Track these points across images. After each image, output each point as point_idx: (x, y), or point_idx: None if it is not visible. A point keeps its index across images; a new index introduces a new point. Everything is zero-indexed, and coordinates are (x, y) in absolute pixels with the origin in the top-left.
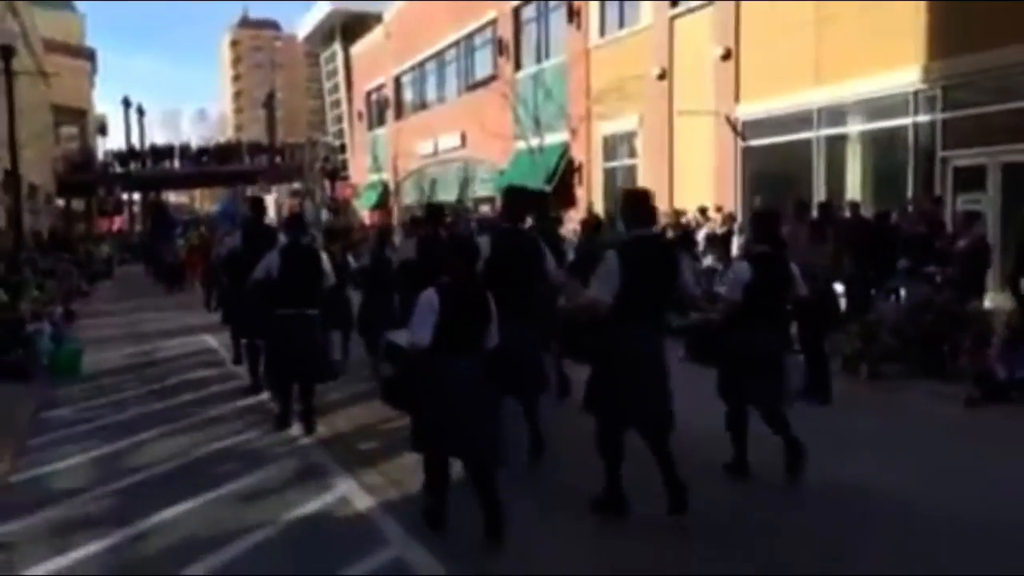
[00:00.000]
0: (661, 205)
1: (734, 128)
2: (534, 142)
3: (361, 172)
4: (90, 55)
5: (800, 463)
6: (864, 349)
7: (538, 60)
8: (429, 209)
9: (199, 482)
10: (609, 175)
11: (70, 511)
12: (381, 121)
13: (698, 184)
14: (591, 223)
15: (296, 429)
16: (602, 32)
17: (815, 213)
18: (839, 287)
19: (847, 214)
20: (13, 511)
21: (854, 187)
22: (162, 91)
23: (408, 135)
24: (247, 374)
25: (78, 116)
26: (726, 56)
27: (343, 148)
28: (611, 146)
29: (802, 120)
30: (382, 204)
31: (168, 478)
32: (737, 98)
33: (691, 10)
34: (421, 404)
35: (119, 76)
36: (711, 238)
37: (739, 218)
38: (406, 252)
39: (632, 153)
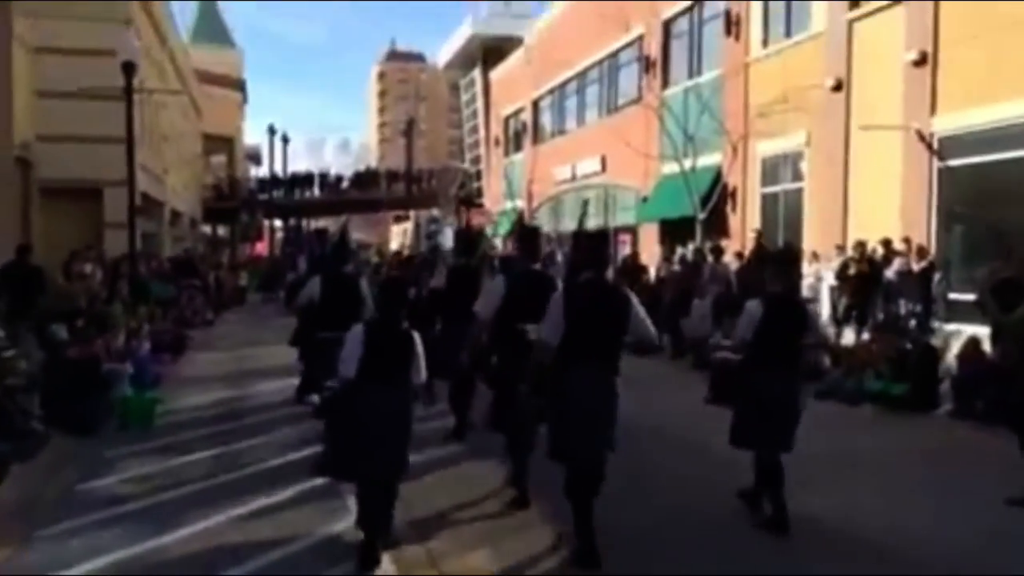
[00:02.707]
0: (833, 236)
1: (929, 145)
2: (687, 164)
3: (496, 199)
4: (241, 86)
5: (782, 523)
6: None
7: (689, 76)
8: (463, 239)
9: None
10: (768, 201)
11: None
12: (518, 147)
13: (880, 212)
14: (761, 254)
15: None
16: (765, 43)
17: None
18: None
19: None
20: None
21: None
22: (312, 123)
23: (545, 160)
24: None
25: (227, 144)
26: (920, 62)
27: (479, 175)
28: (771, 168)
29: (1017, 136)
30: (516, 231)
31: None
32: (933, 110)
33: (875, 11)
34: (336, 432)
35: (271, 108)
36: (905, 275)
37: (932, 252)
38: (439, 282)
39: (797, 176)
